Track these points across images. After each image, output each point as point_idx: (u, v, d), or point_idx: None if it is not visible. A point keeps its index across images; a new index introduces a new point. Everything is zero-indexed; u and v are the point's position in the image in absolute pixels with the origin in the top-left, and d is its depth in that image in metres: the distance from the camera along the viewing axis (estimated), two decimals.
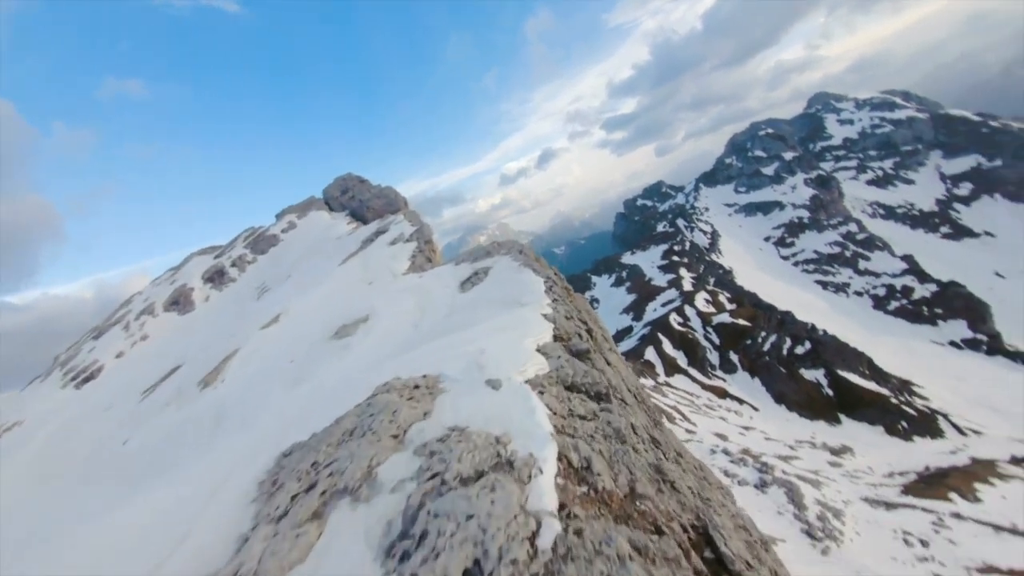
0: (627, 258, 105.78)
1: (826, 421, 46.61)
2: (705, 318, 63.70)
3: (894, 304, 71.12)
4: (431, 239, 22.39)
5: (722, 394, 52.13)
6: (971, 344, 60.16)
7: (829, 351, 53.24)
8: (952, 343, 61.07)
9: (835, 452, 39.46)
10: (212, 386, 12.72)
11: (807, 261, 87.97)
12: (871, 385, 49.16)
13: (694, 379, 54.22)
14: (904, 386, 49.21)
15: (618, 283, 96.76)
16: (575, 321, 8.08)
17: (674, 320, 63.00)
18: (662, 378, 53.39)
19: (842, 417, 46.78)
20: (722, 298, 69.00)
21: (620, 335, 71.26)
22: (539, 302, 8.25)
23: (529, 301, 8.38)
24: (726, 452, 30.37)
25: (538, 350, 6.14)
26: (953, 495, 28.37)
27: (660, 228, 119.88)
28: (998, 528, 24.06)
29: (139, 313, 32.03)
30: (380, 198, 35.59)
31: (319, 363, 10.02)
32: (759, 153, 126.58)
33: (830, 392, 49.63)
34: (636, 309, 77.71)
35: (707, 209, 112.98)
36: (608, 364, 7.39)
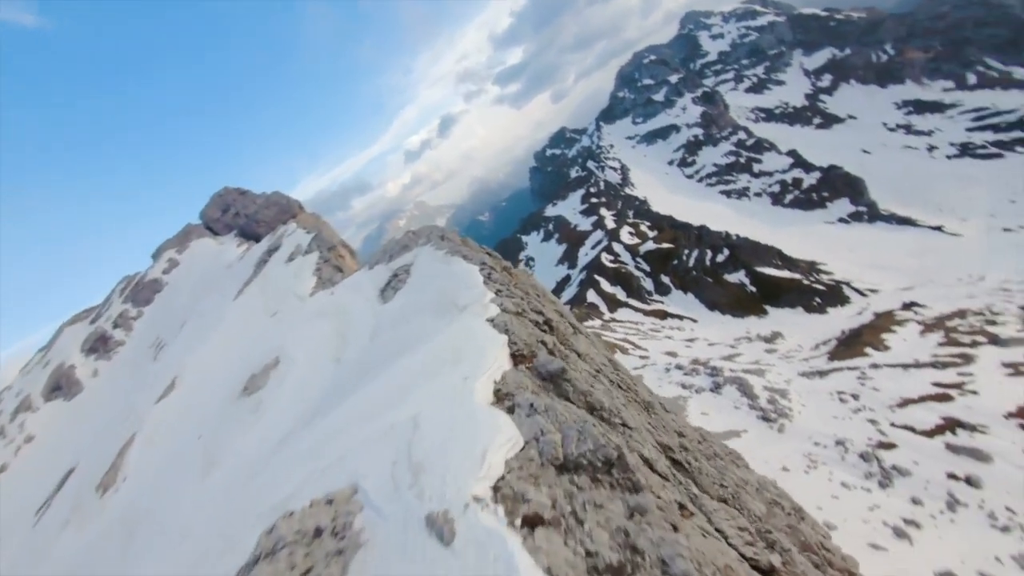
0: (550, 210, 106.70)
1: (755, 315, 51.09)
2: (632, 250, 66.35)
3: (789, 197, 78.36)
4: (335, 244, 19.48)
5: (662, 315, 55.24)
6: (855, 217, 68.23)
7: (745, 253, 57.81)
8: (840, 219, 68.89)
9: (768, 340, 43.49)
10: (113, 488, 10.36)
11: (709, 175, 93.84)
12: (785, 274, 54.27)
13: (635, 309, 56.84)
14: (811, 267, 54.90)
15: (547, 237, 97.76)
16: (529, 316, 6.51)
17: (605, 259, 65.03)
18: (607, 316, 55.39)
19: (767, 308, 51.48)
20: (644, 228, 72.05)
21: (560, 285, 72.61)
22: (480, 299, 6.64)
23: (468, 300, 6.77)
24: (679, 367, 32.20)
25: (498, 396, 4.29)
26: (868, 349, 32.35)
27: (573, 174, 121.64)
28: (906, 366, 27.79)
29: (14, 412, 26.78)
30: (270, 207, 31.79)
31: (230, 435, 8.18)
32: (647, 81, 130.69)
33: (753, 289, 54.23)
34: (569, 257, 79.21)
35: (612, 146, 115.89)
36: (580, 357, 5.96)
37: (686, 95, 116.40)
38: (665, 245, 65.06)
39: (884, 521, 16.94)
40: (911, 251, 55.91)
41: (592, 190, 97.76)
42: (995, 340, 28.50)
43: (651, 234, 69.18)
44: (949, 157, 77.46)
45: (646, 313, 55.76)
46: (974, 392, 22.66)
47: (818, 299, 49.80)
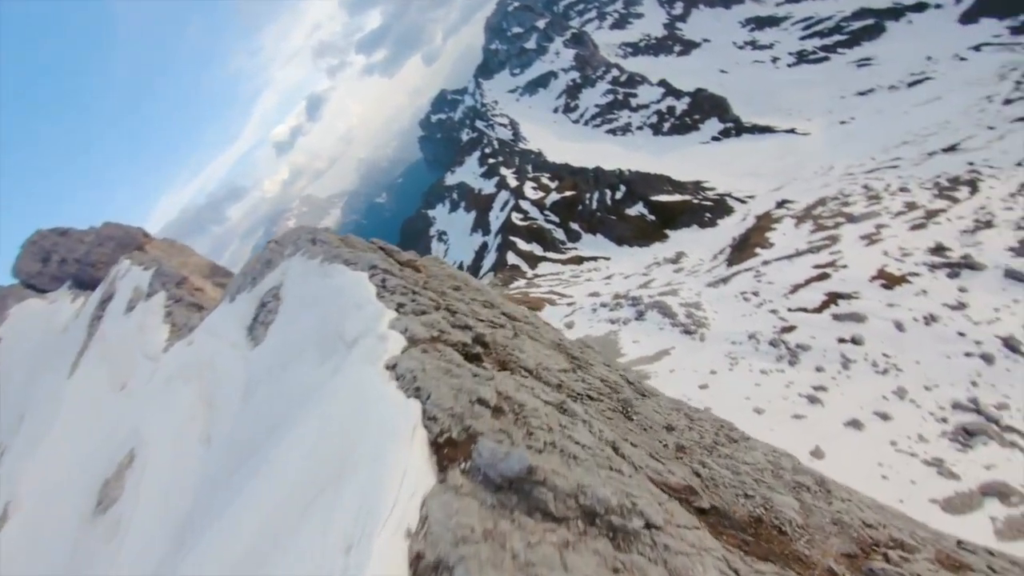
0: (450, 179, 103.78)
1: (659, 241, 54.80)
2: (539, 204, 67.09)
3: (666, 125, 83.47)
4: (185, 278, 15.25)
5: (579, 261, 57.26)
6: (724, 133, 74.85)
7: (639, 185, 61.07)
8: (713, 138, 75.18)
9: (674, 261, 46.99)
10: None
11: (593, 117, 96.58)
12: (676, 197, 58.38)
13: (554, 260, 58.24)
14: (697, 187, 59.59)
15: (454, 207, 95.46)
16: (451, 339, 4.56)
17: (516, 218, 65.16)
18: (530, 273, 56.16)
19: (668, 232, 55.41)
20: (545, 180, 72.88)
21: (480, 254, 71.93)
22: (374, 327, 4.77)
23: (358, 330, 4.89)
24: (604, 305, 33.59)
25: None
26: (757, 249, 36.10)
27: (464, 137, 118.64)
28: (790, 257, 31.43)
29: None
30: (105, 243, 25.98)
31: (91, 571, 6.13)
32: (516, 30, 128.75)
33: (652, 217, 57.87)
34: (481, 224, 78.30)
35: (496, 102, 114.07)
36: (534, 377, 4.37)
37: (556, 39, 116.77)
38: (568, 193, 66.53)
39: (799, 393, 19.28)
40: (773, 155, 62.84)
41: (487, 151, 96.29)
42: (851, 218, 33.15)
43: (553, 185, 70.23)
44: (789, 66, 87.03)
45: (564, 262, 57.37)
46: (844, 266, 26.21)
47: (708, 214, 54.48)
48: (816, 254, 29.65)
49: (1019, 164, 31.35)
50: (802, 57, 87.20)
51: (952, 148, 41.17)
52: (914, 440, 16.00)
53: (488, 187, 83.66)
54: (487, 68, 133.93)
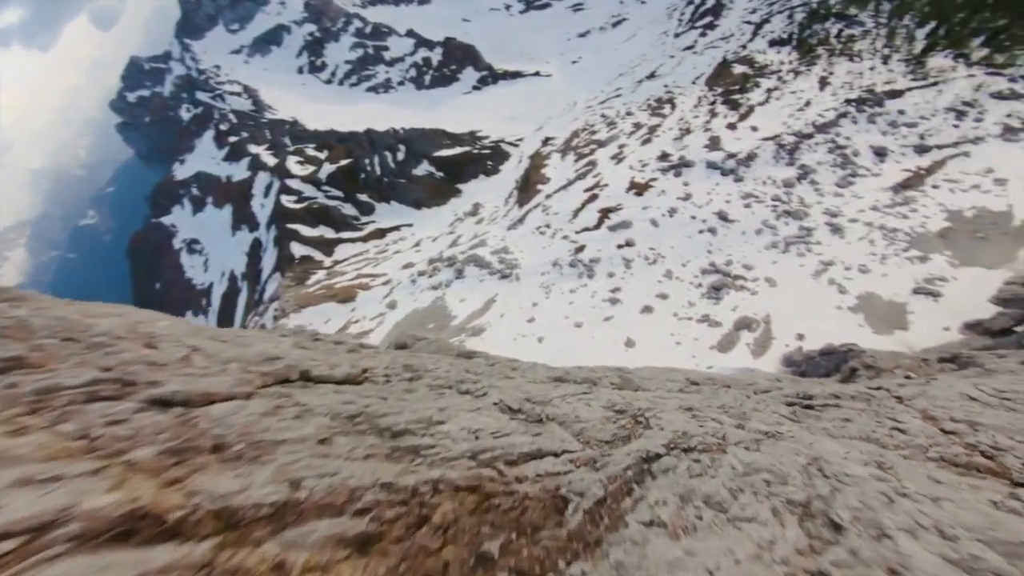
0: (180, 171, 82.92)
1: (454, 197, 55.09)
2: (312, 180, 59.18)
3: (427, 78, 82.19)
4: None
5: (381, 234, 53.65)
6: (482, 81, 77.88)
7: (418, 143, 59.34)
8: (474, 87, 77.51)
9: (473, 213, 48.13)
10: None
11: (347, 75, 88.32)
12: (457, 150, 58.91)
13: (353, 240, 53.12)
14: (473, 137, 61.16)
15: (198, 206, 77.22)
16: None
17: (287, 202, 56.22)
18: (328, 262, 50.10)
19: (459, 187, 56.03)
20: (311, 151, 64.27)
21: (255, 253, 60.48)
22: None
23: None
24: (421, 273, 32.30)
25: None
26: (538, 186, 39.23)
27: (185, 115, 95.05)
28: (565, 187, 35.08)
29: None
30: None
31: None
32: None
33: (440, 174, 57.45)
34: (244, 218, 65.43)
35: (218, 67, 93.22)
36: None
37: None
38: (343, 162, 60.28)
39: (602, 299, 21.99)
40: (528, 98, 68.60)
41: (222, 127, 79.27)
42: (600, 144, 38.63)
43: (322, 156, 62.48)
44: (521, 12, 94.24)
45: (365, 240, 52.89)
46: (606, 184, 30.46)
47: (490, 162, 56.91)
48: (583, 180, 33.74)
49: (693, 82, 41.23)
50: (530, 4, 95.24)
51: (652, 75, 51.54)
52: (687, 307, 20.03)
53: (238, 172, 69.77)
54: (192, 25, 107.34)
